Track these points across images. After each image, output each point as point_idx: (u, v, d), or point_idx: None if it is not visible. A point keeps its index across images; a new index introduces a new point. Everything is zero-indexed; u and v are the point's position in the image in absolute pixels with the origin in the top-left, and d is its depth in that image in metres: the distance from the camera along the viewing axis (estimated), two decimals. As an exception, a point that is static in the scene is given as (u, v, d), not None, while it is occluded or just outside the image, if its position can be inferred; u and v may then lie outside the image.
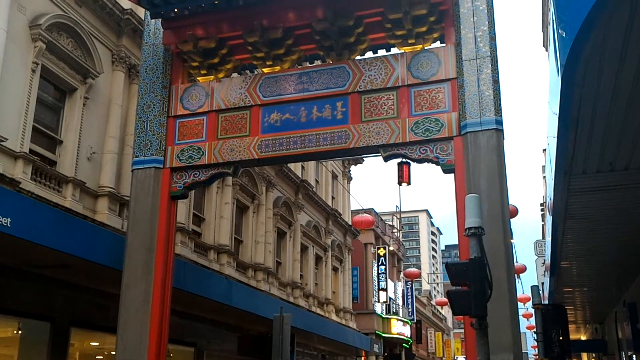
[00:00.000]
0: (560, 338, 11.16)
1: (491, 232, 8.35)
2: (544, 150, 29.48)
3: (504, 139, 9.96)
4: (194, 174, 11.41)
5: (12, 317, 11.58)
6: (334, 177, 31.04)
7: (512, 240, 9.91)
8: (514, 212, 18.69)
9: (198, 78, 12.07)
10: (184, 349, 16.61)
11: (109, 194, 13.50)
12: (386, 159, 10.73)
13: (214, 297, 15.19)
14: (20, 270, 11.17)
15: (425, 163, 10.62)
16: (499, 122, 9.88)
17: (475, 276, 6.32)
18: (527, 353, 25.24)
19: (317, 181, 28.14)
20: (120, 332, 10.61)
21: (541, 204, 38.65)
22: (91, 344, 14.76)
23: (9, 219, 9.17)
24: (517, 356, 8.81)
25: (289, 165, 23.17)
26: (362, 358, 33.13)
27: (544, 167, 32.26)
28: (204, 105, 11.51)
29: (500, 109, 10.01)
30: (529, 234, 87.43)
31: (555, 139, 7.36)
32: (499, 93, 10.04)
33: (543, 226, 36.86)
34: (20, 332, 12.22)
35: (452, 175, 10.15)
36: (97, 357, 15.48)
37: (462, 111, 10.00)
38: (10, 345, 12.69)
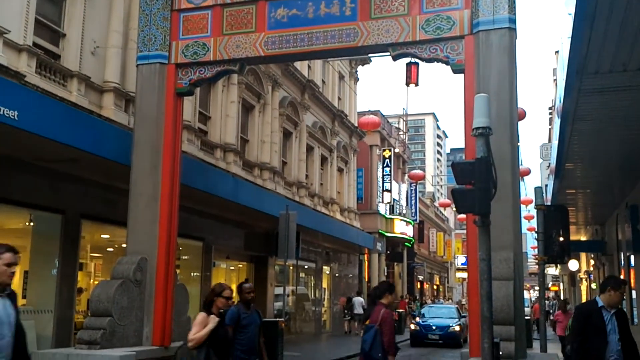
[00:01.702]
0: (561, 238, 11.35)
1: (498, 133, 8.30)
2: (556, 52, 28.86)
3: (516, 39, 9.72)
4: (199, 70, 11.25)
5: (24, 209, 11.86)
6: (341, 77, 30.64)
7: (518, 143, 9.90)
8: (522, 115, 18.50)
9: (202, -30, 11.64)
10: (193, 243, 17.08)
11: (114, 90, 13.41)
12: (395, 59, 10.52)
13: (221, 194, 15.43)
14: (30, 164, 11.30)
15: (435, 63, 10.42)
16: (513, 21, 9.59)
17: (481, 175, 6.33)
18: (526, 253, 25.78)
19: (323, 81, 27.82)
20: (130, 226, 10.86)
21: (549, 108, 38.32)
22: (102, 236, 15.17)
23: (16, 112, 9.16)
24: (517, 254, 9.01)
25: (295, 64, 22.82)
26: (365, 255, 34.10)
27: (555, 69, 31.70)
28: (209, -2, 11.16)
29: (514, 7, 9.68)
30: (535, 138, 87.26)
31: (570, 39, 7.19)
32: (514, -11, 9.69)
33: (550, 130, 36.73)
34: (32, 223, 12.55)
35: (461, 76, 9.99)
36: (108, 249, 15.96)
37: (474, 8, 9.68)
38: (22, 236, 13.07)
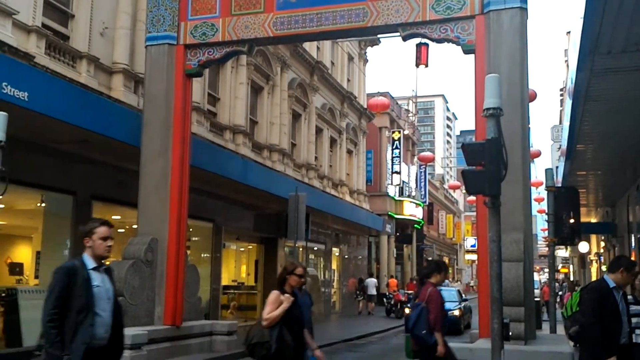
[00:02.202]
0: (571, 220, 11.31)
1: (509, 114, 8.25)
2: (568, 32, 28.56)
3: (527, 18, 9.62)
4: (208, 51, 11.24)
5: (36, 190, 11.93)
6: (350, 59, 30.47)
7: (528, 125, 9.84)
8: (533, 96, 18.38)
9: (211, -51, 11.56)
10: (203, 225, 17.15)
11: (124, 71, 13.40)
12: (405, 39, 10.45)
13: (230, 176, 15.45)
14: (41, 145, 11.34)
15: (445, 43, 10.35)
16: (524, 1, 9.49)
17: (491, 156, 6.29)
18: (536, 235, 25.63)
19: (332, 63, 27.68)
20: (141, 207, 10.93)
21: (560, 89, 37.99)
22: (113, 217, 15.24)
23: (26, 94, 9.19)
24: (527, 235, 9.01)
25: (304, 45, 22.70)
26: (375, 237, 34.13)
27: (566, 50, 31.38)
28: (217, -22, 11.10)
29: (526, -14, 9.58)
30: (546, 120, 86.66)
31: (582, 18, 7.10)
32: (526, -33, 9.56)
33: (561, 111, 36.46)
34: (43, 204, 12.63)
35: (472, 57, 9.92)
36: (119, 230, 16.06)
37: (485, -13, 9.58)
38: (34, 217, 13.17)
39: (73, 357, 4.28)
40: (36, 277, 13.50)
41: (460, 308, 20.08)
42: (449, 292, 21.90)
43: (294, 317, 5.88)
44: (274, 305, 5.79)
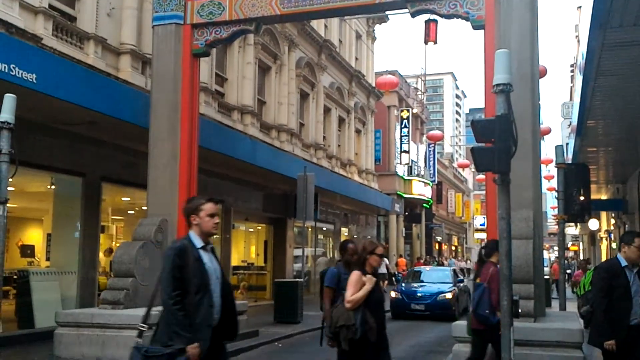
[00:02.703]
0: (581, 197, 11.23)
1: (519, 90, 8.17)
2: (579, 7, 28.17)
3: (538, -8, 9.48)
4: (215, 30, 11.16)
5: (45, 172, 11.98)
6: (358, 37, 30.25)
7: (539, 101, 9.74)
8: (543, 73, 18.18)
9: None
10: (211, 206, 17.19)
11: (131, 52, 13.36)
12: (413, 15, 10.34)
13: (239, 156, 15.46)
14: (49, 127, 11.36)
15: (454, 19, 10.23)
16: (534, -26, 9.35)
17: (501, 132, 6.23)
18: (546, 213, 25.48)
19: (340, 41, 27.48)
20: (150, 188, 10.94)
21: (571, 65, 37.58)
22: (122, 199, 15.33)
23: (34, 75, 9.19)
24: (537, 213, 8.96)
25: (311, 24, 22.53)
26: (383, 217, 34.14)
27: (577, 26, 30.98)
28: (223, -45, 10.98)
29: (537, -41, 9.43)
30: (556, 97, 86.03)
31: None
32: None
33: (571, 88, 36.11)
34: (53, 186, 12.69)
35: (481, 33, 9.81)
36: (129, 211, 16.14)
37: (495, -39, 9.44)
38: (44, 199, 13.26)
39: (202, 341, 4.14)
40: (47, 259, 13.64)
41: (452, 290, 17.50)
42: (442, 273, 19.84)
43: (375, 299, 5.62)
44: (357, 287, 5.50)
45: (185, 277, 4.21)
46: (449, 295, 17.26)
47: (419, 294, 17.53)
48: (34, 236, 15.72)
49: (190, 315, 4.16)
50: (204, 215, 4.44)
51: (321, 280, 7.15)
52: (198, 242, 4.41)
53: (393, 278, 28.21)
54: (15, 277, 12.18)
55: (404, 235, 37.61)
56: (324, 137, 25.37)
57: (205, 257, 4.39)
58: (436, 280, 18.47)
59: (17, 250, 15.43)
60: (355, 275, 5.57)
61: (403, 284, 18.95)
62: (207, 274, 4.32)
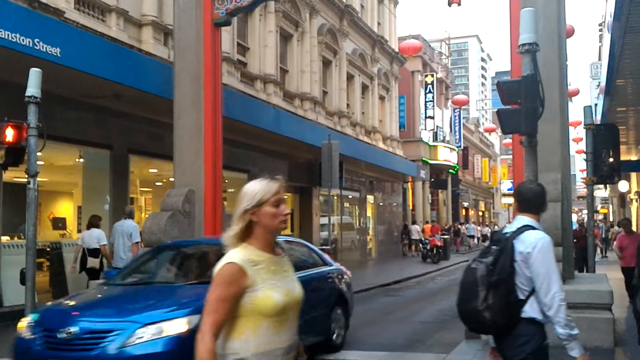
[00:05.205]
0: (610, 158, 11.05)
1: (546, 50, 8.01)
2: (607, -36, 27.32)
3: (564, -51, 9.22)
4: (235, -1, 11.09)
5: (73, 146, 12.15)
6: (380, 1, 29.80)
7: (566, 62, 9.54)
8: (570, 32, 17.78)
9: None
10: (237, 175, 17.29)
11: (153, 23, 13.36)
12: (436, -24, 10.14)
13: (263, 126, 15.48)
14: (75, 101, 11.48)
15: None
16: None
17: (527, 93, 6.15)
18: (574, 175, 25.13)
19: (362, 6, 27.11)
20: (177, 159, 11.03)
21: (599, 24, 36.64)
22: (150, 171, 15.50)
23: (58, 49, 9.25)
24: (565, 175, 8.85)
25: (332, -11, 22.24)
26: (409, 184, 34.06)
27: (605, -17, 30.08)
28: None
29: None
30: (584, 57, 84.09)
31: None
32: None
33: (600, 48, 35.26)
34: (82, 159, 12.88)
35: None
36: (157, 183, 16.34)
37: None
38: (74, 172, 13.46)
39: None
40: (79, 231, 13.89)
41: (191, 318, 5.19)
42: (164, 291, 9.41)
43: None
44: None
45: None
46: (173, 329, 5.54)
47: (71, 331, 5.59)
48: (65, 209, 16.02)
49: None
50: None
51: None
52: None
53: (420, 244, 28.29)
54: (48, 249, 12.45)
55: (430, 201, 37.50)
56: (348, 105, 25.23)
57: None
58: (156, 294, 6.82)
59: (49, 223, 15.76)
60: None
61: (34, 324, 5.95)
62: None
